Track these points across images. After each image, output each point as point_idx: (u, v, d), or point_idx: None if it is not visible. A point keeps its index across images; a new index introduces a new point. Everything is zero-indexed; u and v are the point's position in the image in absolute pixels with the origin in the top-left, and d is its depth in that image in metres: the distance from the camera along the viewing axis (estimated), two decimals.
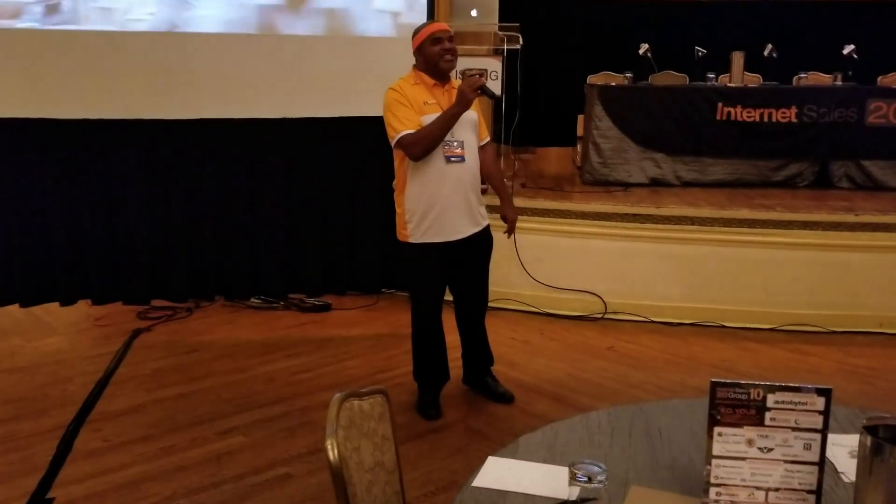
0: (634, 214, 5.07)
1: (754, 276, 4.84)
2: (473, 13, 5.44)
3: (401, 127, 3.30)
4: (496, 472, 1.58)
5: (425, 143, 3.29)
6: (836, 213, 4.90)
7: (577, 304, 5.10)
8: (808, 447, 1.37)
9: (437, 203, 3.39)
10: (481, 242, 3.60)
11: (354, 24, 4.71)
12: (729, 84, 6.05)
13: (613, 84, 6.27)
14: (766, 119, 5.67)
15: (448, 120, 3.29)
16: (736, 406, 1.37)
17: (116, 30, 4.42)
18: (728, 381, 1.36)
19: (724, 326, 4.87)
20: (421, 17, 4.67)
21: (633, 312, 5.02)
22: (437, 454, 3.31)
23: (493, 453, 1.72)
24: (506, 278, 4.97)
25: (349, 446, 1.65)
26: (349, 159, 4.90)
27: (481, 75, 3.34)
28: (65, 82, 4.36)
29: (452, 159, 3.38)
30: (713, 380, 1.37)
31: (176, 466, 3.19)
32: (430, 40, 3.37)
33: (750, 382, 1.36)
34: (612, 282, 5.07)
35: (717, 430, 1.39)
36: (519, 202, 4.97)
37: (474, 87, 3.25)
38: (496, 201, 3.81)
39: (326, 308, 5.24)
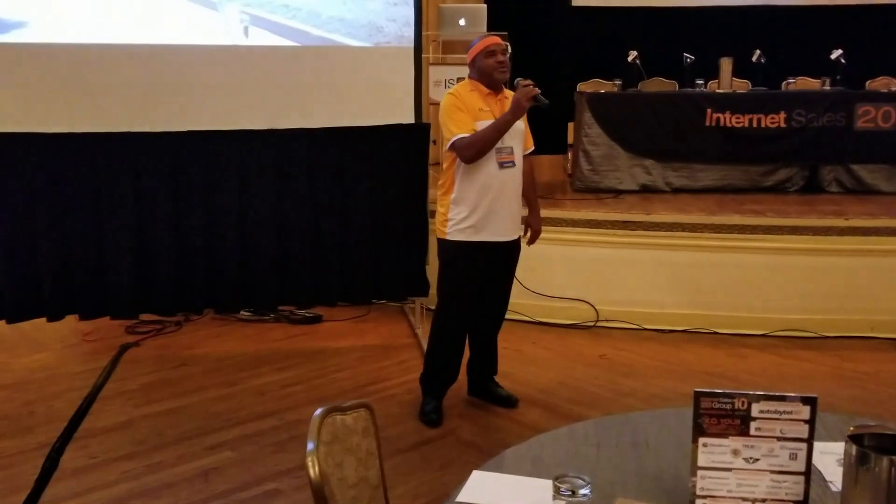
0: (625, 221, 5.06)
1: (746, 281, 4.83)
2: (461, 22, 5.44)
3: (456, 130, 3.44)
4: (481, 487, 1.55)
5: (479, 147, 3.42)
6: (826, 218, 4.90)
7: (569, 312, 5.08)
8: (793, 457, 1.35)
9: (484, 205, 3.50)
10: (513, 251, 3.70)
11: (339, 31, 4.70)
12: (718, 90, 6.05)
13: (603, 91, 6.27)
14: (755, 124, 5.68)
15: (502, 126, 3.43)
16: (721, 416, 1.35)
17: (103, 43, 4.40)
18: (712, 390, 1.34)
19: (716, 333, 4.85)
20: (404, 25, 4.67)
21: (625, 320, 5.01)
22: (427, 466, 3.28)
23: (480, 466, 1.69)
24: None
25: (331, 462, 1.62)
26: (338, 170, 4.86)
27: (535, 86, 3.40)
28: (49, 96, 4.33)
29: (505, 165, 3.51)
30: (697, 390, 1.35)
31: (163, 483, 3.15)
32: (485, 53, 3.52)
33: (734, 392, 1.34)
34: (603, 289, 5.05)
35: (701, 440, 1.37)
36: None
37: (529, 97, 3.39)
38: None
39: (317, 320, 5.21)
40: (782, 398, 1.33)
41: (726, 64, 5.95)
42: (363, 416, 1.79)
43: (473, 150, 3.42)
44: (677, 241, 4.96)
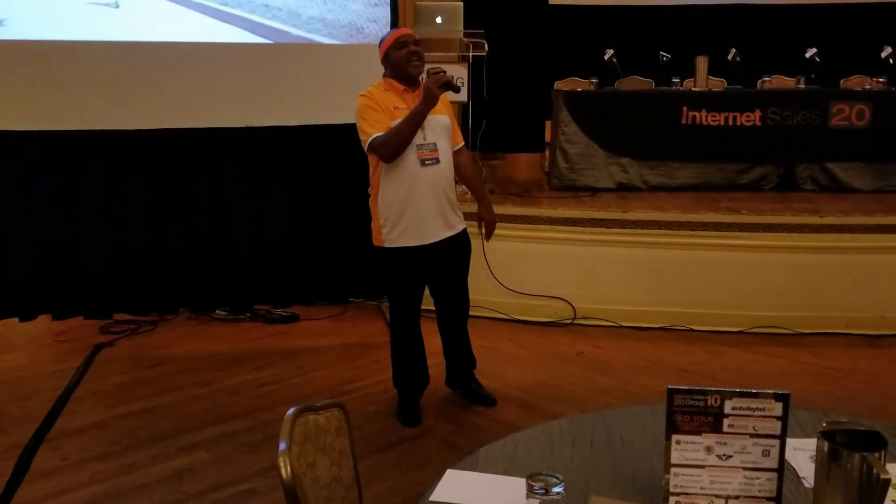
0: (601, 219, 5.06)
1: (722, 279, 4.86)
2: (438, 20, 5.42)
3: (371, 130, 3.31)
4: (455, 486, 1.54)
5: (395, 143, 3.29)
6: (801, 216, 4.93)
7: (547, 310, 5.08)
8: (766, 453, 1.35)
9: (412, 206, 3.39)
10: (458, 246, 3.60)
11: (319, 31, 4.67)
12: (693, 88, 6.08)
13: (579, 90, 6.28)
14: (730, 123, 5.70)
15: (415, 117, 3.29)
16: (693, 413, 1.35)
17: (76, 39, 4.34)
18: (685, 387, 1.34)
19: (692, 330, 4.87)
20: (385, 26, 4.65)
21: (603, 317, 5.02)
22: (404, 465, 3.26)
23: (454, 465, 1.68)
24: (475, 285, 4.84)
25: (304, 462, 1.60)
26: (314, 167, 4.85)
27: (445, 72, 3.33)
28: (21, 94, 4.26)
29: (427, 162, 3.39)
30: (670, 387, 1.34)
31: (136, 484, 3.12)
32: (396, 45, 3.40)
33: (707, 389, 1.34)
34: (580, 287, 5.06)
35: (675, 437, 1.37)
36: None
37: (439, 84, 3.25)
38: (474, 207, 3.81)
39: (294, 319, 5.17)
40: (755, 395, 1.33)
41: (702, 62, 5.98)
42: (336, 416, 1.77)
43: (390, 147, 3.29)
44: (654, 238, 4.97)
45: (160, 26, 4.49)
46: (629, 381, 4.15)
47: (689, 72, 6.11)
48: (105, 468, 3.24)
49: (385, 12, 4.62)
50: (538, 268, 5.13)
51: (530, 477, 1.38)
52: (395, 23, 4.62)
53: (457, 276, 3.68)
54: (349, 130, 4.19)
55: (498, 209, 5.13)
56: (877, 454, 1.22)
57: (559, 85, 6.69)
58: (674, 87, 6.08)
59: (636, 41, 6.68)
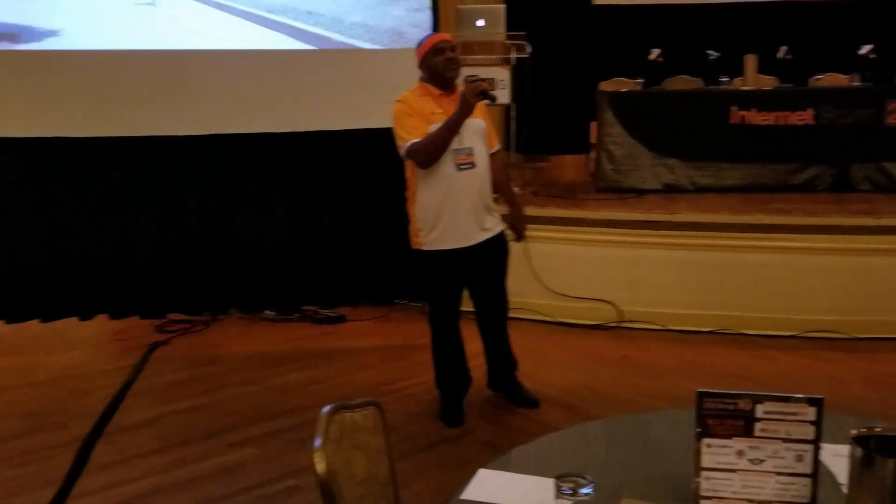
0: (647, 221, 5.03)
1: (773, 282, 4.77)
2: (480, 23, 5.44)
3: (408, 136, 3.35)
4: (485, 485, 1.57)
5: (430, 150, 3.33)
6: (856, 217, 4.81)
7: (592, 312, 5.06)
8: (800, 458, 1.34)
9: (448, 210, 3.43)
10: (495, 248, 3.62)
11: (362, 37, 4.73)
12: (742, 87, 5.98)
13: (624, 90, 6.23)
14: (781, 122, 5.60)
15: (452, 125, 3.32)
16: (724, 416, 1.35)
17: (126, 48, 4.49)
18: (715, 391, 1.34)
19: (742, 334, 4.80)
20: (426, 30, 4.68)
21: (649, 321, 4.97)
22: (445, 465, 3.30)
23: (487, 465, 1.71)
24: (518, 287, 4.87)
25: (339, 458, 1.64)
26: (360, 171, 4.92)
27: (484, 81, 3.35)
28: (77, 102, 4.43)
29: (463, 166, 3.41)
30: (699, 390, 1.35)
31: (188, 479, 3.21)
32: (433, 51, 3.43)
33: (738, 392, 1.34)
34: (626, 290, 5.03)
35: (705, 441, 1.37)
36: (530, 211, 4.94)
37: (475, 92, 3.27)
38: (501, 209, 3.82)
39: (341, 319, 5.25)
40: (787, 399, 1.32)
41: (751, 61, 5.88)
42: (372, 414, 1.80)
43: (426, 154, 3.33)
44: (702, 240, 4.91)
45: (208, 35, 4.61)
46: (674, 385, 4.11)
47: (738, 70, 6.01)
48: (158, 462, 3.34)
49: (426, 17, 4.66)
50: (583, 270, 5.11)
51: (559, 477, 1.40)
52: (436, 27, 4.65)
53: (494, 278, 3.71)
54: (391, 134, 4.27)
55: (541, 211, 5.20)
56: None
57: (604, 86, 6.65)
58: (722, 87, 5.98)
59: (682, 40, 6.60)
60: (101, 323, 5.01)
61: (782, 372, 4.26)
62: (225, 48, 4.63)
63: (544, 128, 7.17)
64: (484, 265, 3.61)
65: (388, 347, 4.78)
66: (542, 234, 5.07)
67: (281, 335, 5.03)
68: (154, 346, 4.79)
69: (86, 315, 4.77)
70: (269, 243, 4.92)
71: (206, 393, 4.11)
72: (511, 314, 4.77)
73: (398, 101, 3.45)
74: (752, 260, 4.81)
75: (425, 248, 3.51)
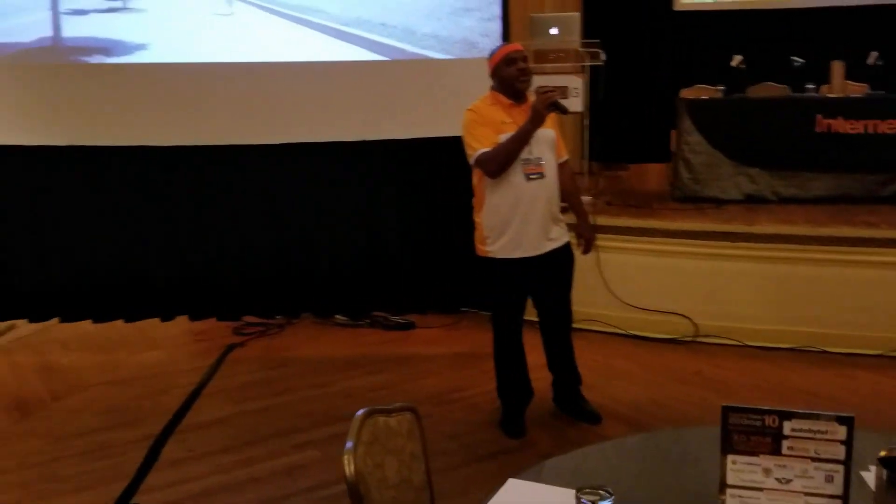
0: (725, 233, 4.87)
1: (858, 298, 4.53)
2: (553, 31, 5.40)
3: (477, 145, 3.37)
4: (512, 495, 1.56)
5: (500, 160, 3.34)
6: None
7: (665, 326, 4.93)
8: (829, 479, 1.28)
9: (516, 220, 3.42)
10: (561, 259, 3.61)
11: (433, 48, 4.79)
12: (829, 95, 5.73)
13: (704, 97, 6.06)
14: (870, 130, 5.32)
15: (522, 136, 3.33)
16: (750, 433, 1.31)
17: (202, 61, 4.70)
18: (741, 406, 1.30)
19: (823, 352, 4.58)
20: (497, 38, 4.70)
21: (726, 336, 4.81)
22: (503, 476, 3.24)
23: (518, 475, 1.70)
24: (589, 298, 4.86)
25: (370, 462, 1.67)
26: (431, 179, 4.97)
27: (555, 91, 3.34)
28: (159, 112, 4.66)
29: (532, 176, 3.41)
30: (724, 405, 1.31)
31: (251, 478, 3.31)
32: (505, 61, 3.43)
33: (764, 408, 1.29)
34: (703, 303, 4.87)
35: (730, 457, 1.33)
36: (602, 220, 4.90)
37: (546, 104, 3.28)
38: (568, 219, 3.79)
39: (410, 326, 5.30)
40: (816, 416, 1.27)
41: (838, 67, 5.61)
42: (408, 420, 1.83)
43: (496, 164, 3.34)
44: (783, 253, 4.72)
45: (285, 48, 4.77)
46: (747, 403, 3.92)
47: (825, 77, 5.76)
48: (224, 461, 3.46)
49: (497, 26, 4.68)
50: (657, 282, 4.99)
51: (580, 490, 1.38)
52: (506, 36, 4.66)
53: (559, 289, 3.68)
54: (459, 142, 4.30)
55: (613, 220, 5.11)
56: None
57: (685, 93, 6.48)
58: (807, 94, 5.74)
59: (766, 46, 6.36)
60: (182, 324, 5.22)
61: (862, 392, 4.04)
62: (300, 60, 4.78)
63: (621, 136, 7.04)
64: (549, 275, 3.59)
65: (455, 355, 4.79)
66: (615, 244, 4.98)
67: (351, 340, 5.12)
68: (230, 348, 4.95)
69: (166, 316, 4.99)
70: (341, 250, 5.02)
71: (276, 395, 4.23)
72: (581, 325, 4.77)
73: (469, 109, 3.47)
74: (835, 274, 4.58)
75: (490, 255, 3.51)
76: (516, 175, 3.39)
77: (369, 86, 4.74)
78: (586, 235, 3.76)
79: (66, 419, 3.94)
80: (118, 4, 4.80)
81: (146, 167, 4.82)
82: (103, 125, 4.70)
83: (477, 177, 3.50)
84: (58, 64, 4.72)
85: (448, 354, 4.81)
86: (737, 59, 5.90)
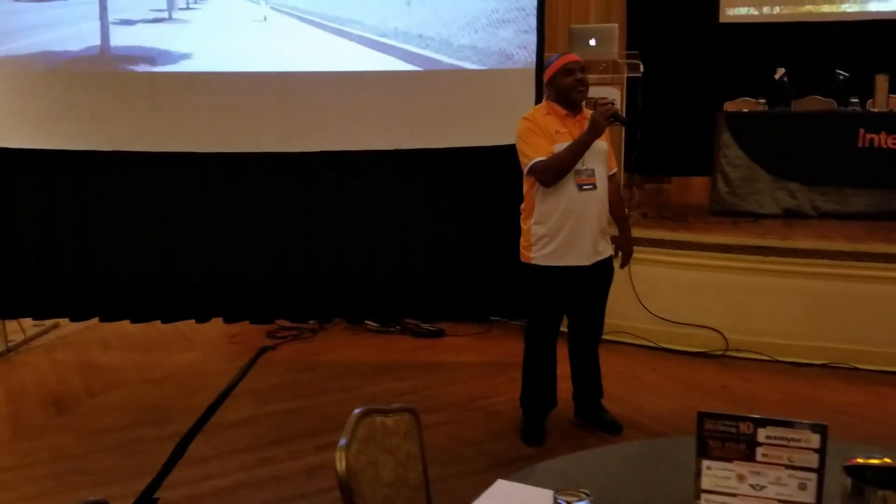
0: (758, 247, 4.80)
1: (892, 315, 4.43)
2: (592, 42, 5.41)
3: (533, 154, 3.39)
4: (497, 495, 1.59)
5: (556, 170, 3.36)
6: None
7: (696, 339, 4.89)
8: (803, 487, 1.28)
9: (565, 229, 3.44)
10: (602, 272, 3.61)
11: (470, 59, 4.84)
12: (872, 109, 5.61)
13: (745, 110, 5.99)
14: None
15: (580, 147, 3.35)
16: (725, 439, 1.31)
17: (242, 70, 4.84)
18: (716, 412, 1.31)
19: (855, 368, 4.49)
20: (533, 50, 4.73)
21: (756, 350, 4.75)
22: None
23: (508, 476, 1.72)
24: (620, 310, 4.82)
25: (363, 459, 1.71)
26: (458, 189, 5.01)
27: (614, 103, 3.35)
28: (199, 119, 4.81)
29: (584, 187, 3.43)
30: (700, 411, 1.32)
31: (272, 476, 3.38)
32: (563, 72, 3.45)
33: (739, 415, 1.30)
34: (734, 317, 4.82)
35: (705, 462, 1.33)
36: (636, 232, 4.84)
37: (607, 115, 3.29)
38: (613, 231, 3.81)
39: (440, 334, 5.34)
40: (790, 424, 1.27)
41: (882, 81, 5.50)
42: (406, 420, 1.86)
43: (551, 174, 3.35)
44: (817, 269, 4.64)
45: (325, 57, 4.87)
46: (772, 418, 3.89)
47: (870, 92, 5.64)
48: (247, 460, 3.54)
49: (535, 38, 4.70)
50: (689, 295, 4.94)
51: (558, 491, 1.40)
52: (541, 48, 4.68)
53: (596, 302, 3.69)
54: (497, 152, 4.36)
55: (647, 233, 5.09)
56: None
57: (728, 106, 6.41)
58: (851, 108, 5.64)
59: (811, 59, 6.26)
60: (217, 326, 5.35)
61: (892, 410, 3.95)
62: (337, 69, 4.88)
63: (664, 148, 6.99)
64: (589, 287, 3.60)
65: (482, 363, 4.82)
66: (647, 256, 4.95)
67: (381, 346, 5.18)
68: (262, 351, 5.06)
69: (201, 317, 5.11)
70: (374, 257, 5.08)
71: (303, 397, 4.30)
72: (610, 337, 4.76)
73: (524, 118, 3.50)
74: (869, 291, 4.49)
75: (535, 262, 3.52)
76: (569, 185, 3.40)
77: (404, 96, 4.81)
78: (625, 249, 3.77)
79: (100, 415, 4.07)
80: (164, 15, 4.98)
81: (185, 173, 4.96)
82: (147, 132, 4.87)
83: (528, 184, 3.52)
84: (105, 72, 4.91)
85: (475, 363, 4.83)
86: (780, 72, 5.81)
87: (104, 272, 4.94)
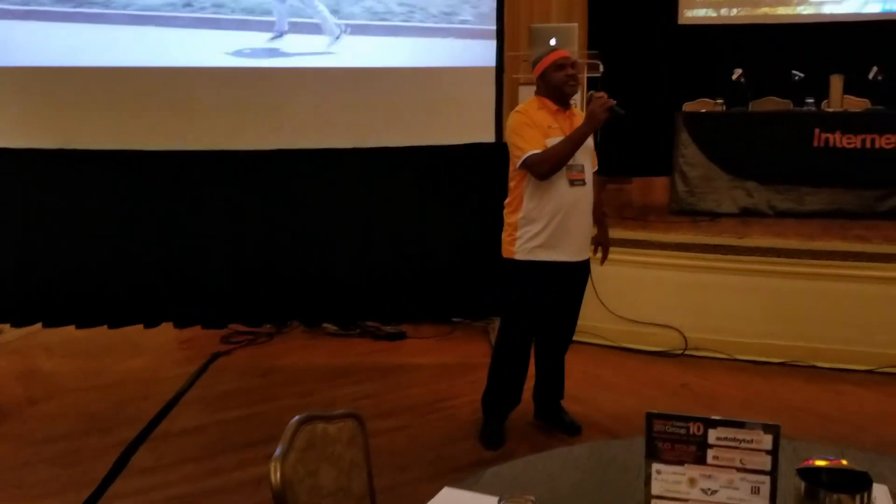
0: (716, 245, 4.80)
1: (849, 313, 4.45)
2: (552, 42, 5.37)
3: (528, 147, 3.34)
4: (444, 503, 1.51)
5: (553, 162, 3.31)
6: None
7: (657, 338, 4.87)
8: (755, 491, 1.21)
9: (553, 224, 3.39)
10: (582, 272, 3.59)
11: (423, 52, 4.78)
12: (827, 109, 5.66)
13: (703, 111, 6.02)
14: (868, 145, 5.25)
15: (577, 139, 3.31)
16: (675, 441, 1.25)
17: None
18: (665, 413, 1.24)
19: (813, 367, 4.50)
20: (492, 46, 4.68)
21: (716, 349, 4.74)
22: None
23: (456, 483, 1.64)
24: (582, 311, 4.78)
25: (301, 469, 1.62)
26: (419, 188, 4.93)
27: (607, 96, 3.30)
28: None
29: (575, 183, 3.39)
30: (648, 411, 1.25)
31: (218, 488, 3.25)
32: (554, 66, 3.41)
33: (689, 416, 1.23)
34: (693, 316, 4.81)
35: (655, 466, 1.26)
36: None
37: (605, 108, 3.25)
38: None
39: (401, 336, 5.25)
40: (741, 425, 1.21)
41: (836, 81, 5.55)
42: (349, 427, 1.78)
43: (548, 166, 3.30)
44: (774, 267, 4.65)
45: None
46: (733, 417, 3.86)
47: (825, 92, 5.70)
48: (193, 470, 3.40)
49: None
50: (649, 294, 4.93)
51: (502, 498, 1.33)
52: (500, 43, 4.63)
53: (572, 302, 3.66)
54: (459, 151, 4.29)
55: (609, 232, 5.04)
56: (858, 496, 1.07)
57: (688, 106, 6.44)
58: (807, 108, 5.68)
59: (769, 60, 6.31)
60: (167, 331, 5.17)
61: (850, 408, 3.95)
62: (297, 66, 4.79)
63: (623, 148, 6.98)
64: (568, 286, 3.56)
65: (443, 366, 4.73)
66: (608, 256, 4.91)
67: (339, 350, 5.06)
68: (215, 356, 4.91)
69: (150, 323, 4.95)
70: (332, 258, 4.97)
71: (256, 404, 4.17)
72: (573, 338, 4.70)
73: (517, 111, 3.46)
74: (826, 289, 4.51)
75: (518, 257, 3.46)
76: (560, 180, 3.36)
77: (363, 93, 4.74)
78: (606, 246, 3.79)
79: (40, 424, 3.90)
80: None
81: (133, 172, 4.80)
82: (89, 128, 4.72)
83: (517, 177, 3.45)
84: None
85: (435, 365, 4.75)
86: (737, 73, 5.84)
87: (48, 275, 4.76)
